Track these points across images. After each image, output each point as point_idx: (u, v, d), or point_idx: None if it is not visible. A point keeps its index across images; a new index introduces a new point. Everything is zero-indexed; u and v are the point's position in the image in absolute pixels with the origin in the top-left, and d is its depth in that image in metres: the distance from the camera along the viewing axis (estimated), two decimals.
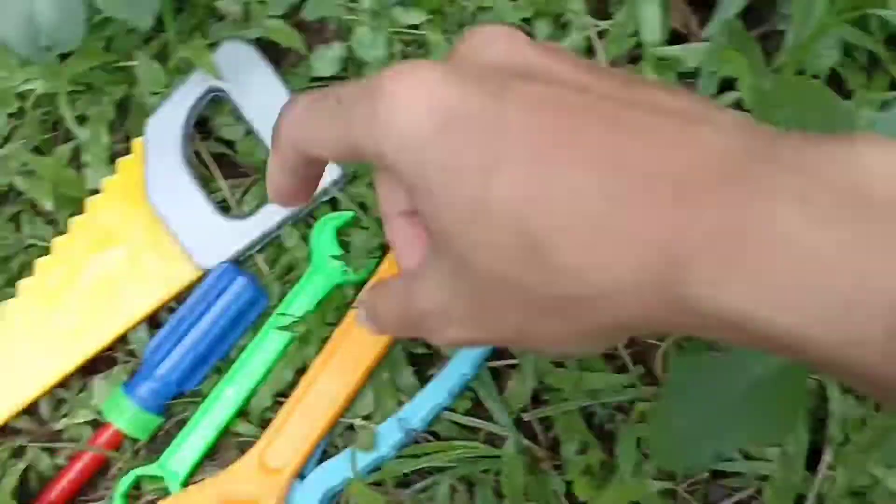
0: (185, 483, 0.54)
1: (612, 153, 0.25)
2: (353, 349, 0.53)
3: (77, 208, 0.57)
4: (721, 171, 0.24)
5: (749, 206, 0.23)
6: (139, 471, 0.54)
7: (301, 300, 0.55)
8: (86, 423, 0.57)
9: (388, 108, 0.28)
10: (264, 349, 0.55)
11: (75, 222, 0.56)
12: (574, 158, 0.26)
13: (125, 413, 0.54)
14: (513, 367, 0.54)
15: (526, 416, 0.53)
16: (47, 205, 0.58)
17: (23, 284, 0.56)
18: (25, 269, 0.57)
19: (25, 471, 0.56)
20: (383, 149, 0.28)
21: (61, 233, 0.57)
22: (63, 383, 0.56)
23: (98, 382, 0.57)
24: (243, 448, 0.54)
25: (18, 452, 0.57)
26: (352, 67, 0.57)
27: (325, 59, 0.56)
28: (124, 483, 0.54)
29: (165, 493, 0.54)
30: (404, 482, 0.53)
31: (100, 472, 0.57)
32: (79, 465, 0.55)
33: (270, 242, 0.57)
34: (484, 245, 0.27)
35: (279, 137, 0.33)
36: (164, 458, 0.54)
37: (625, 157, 0.25)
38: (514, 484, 0.51)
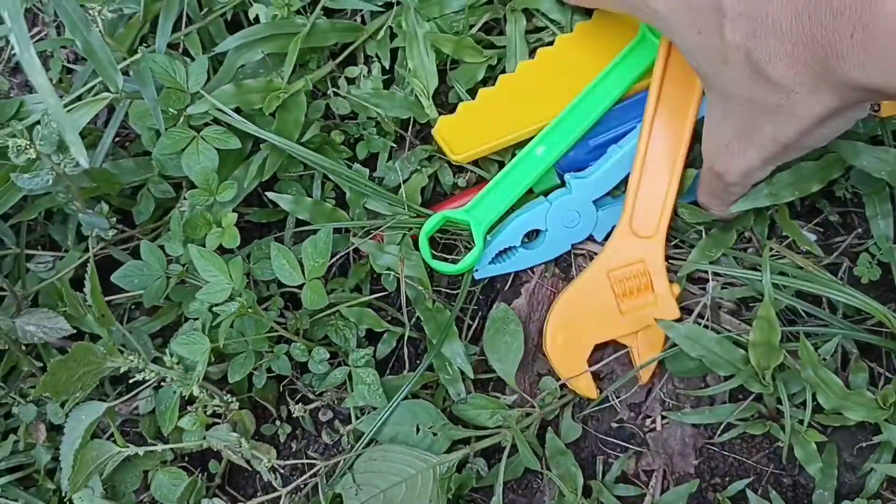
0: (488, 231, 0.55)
1: None
2: (677, 95, 0.51)
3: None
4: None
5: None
6: (448, 213, 0.54)
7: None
8: None
9: None
10: (581, 110, 0.54)
11: (578, 26, 0.56)
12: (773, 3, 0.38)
13: None
14: None
15: None
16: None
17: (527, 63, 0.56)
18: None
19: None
20: (653, 14, 0.44)
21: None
22: None
23: None
24: None
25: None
26: None
27: None
28: (430, 223, 0.54)
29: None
30: None
31: None
32: None
33: None
34: (732, 79, 0.40)
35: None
36: (470, 206, 0.55)
37: None
38: None
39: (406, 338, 0.56)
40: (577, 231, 0.55)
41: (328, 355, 0.53)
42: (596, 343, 0.52)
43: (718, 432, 0.51)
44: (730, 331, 0.51)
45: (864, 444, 0.49)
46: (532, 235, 0.56)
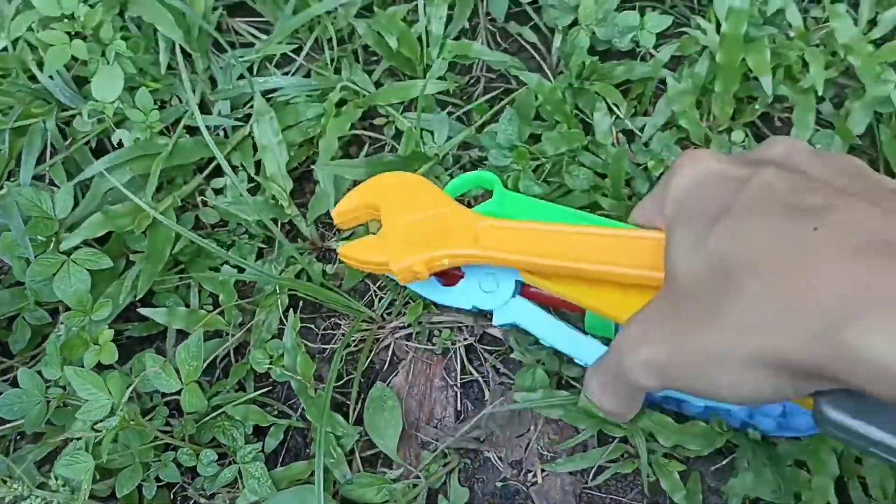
0: None
1: (802, 224, 0.33)
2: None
3: None
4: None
5: None
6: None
7: None
8: None
9: (674, 175, 0.41)
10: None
11: None
12: (770, 220, 0.34)
13: None
14: None
15: None
16: None
17: None
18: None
19: None
20: (666, 205, 0.41)
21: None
22: None
23: None
24: None
25: None
26: None
27: None
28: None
29: None
30: None
31: None
32: None
33: None
34: (695, 269, 0.36)
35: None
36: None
37: (814, 227, 0.32)
38: None
39: (293, 428, 0.58)
40: (488, 298, 0.54)
41: (216, 456, 0.55)
42: None
43: (591, 477, 0.55)
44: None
45: (719, 467, 0.54)
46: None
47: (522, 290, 0.55)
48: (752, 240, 0.34)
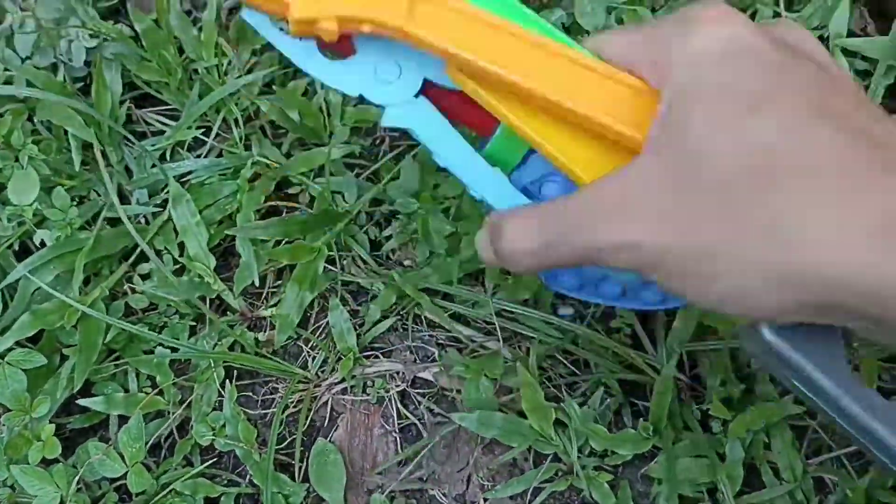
0: None
1: (855, 127, 0.30)
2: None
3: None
4: None
5: None
6: None
7: None
8: None
9: (695, 33, 0.33)
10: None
11: None
12: (825, 122, 0.30)
13: None
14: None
15: (679, 348, 0.59)
16: None
17: None
18: None
19: None
20: (675, 62, 0.33)
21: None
22: None
23: None
24: None
25: None
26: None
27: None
28: None
29: None
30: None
31: None
32: None
33: None
34: (726, 154, 0.30)
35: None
36: None
37: (862, 130, 0.30)
38: (661, 402, 0.57)
39: (243, 495, 0.60)
40: (383, 91, 0.41)
41: None
42: None
43: (529, 499, 0.58)
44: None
45: (643, 472, 0.58)
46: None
47: (426, 89, 0.42)
48: (806, 142, 0.30)
